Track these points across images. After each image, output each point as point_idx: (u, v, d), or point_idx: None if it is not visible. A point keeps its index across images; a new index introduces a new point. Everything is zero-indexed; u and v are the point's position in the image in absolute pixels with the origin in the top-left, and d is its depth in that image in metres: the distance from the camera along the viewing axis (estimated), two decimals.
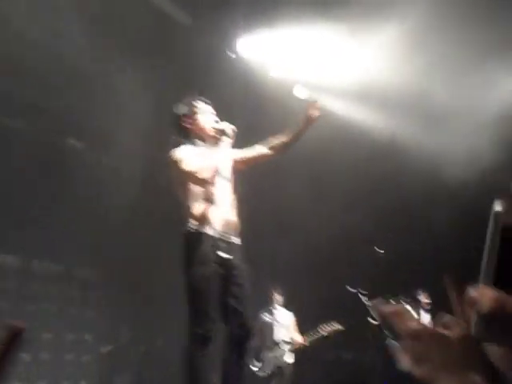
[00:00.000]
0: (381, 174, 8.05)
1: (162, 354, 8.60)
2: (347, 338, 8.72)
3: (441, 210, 8.34)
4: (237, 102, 7.22)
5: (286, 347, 6.17)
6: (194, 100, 3.47)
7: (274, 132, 6.98)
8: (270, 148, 3.58)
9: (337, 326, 6.25)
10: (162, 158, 3.38)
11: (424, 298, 7.21)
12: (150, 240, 7.87)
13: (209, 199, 3.25)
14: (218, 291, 3.18)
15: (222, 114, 3.57)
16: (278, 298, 6.42)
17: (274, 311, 6.40)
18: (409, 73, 6.93)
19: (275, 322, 6.26)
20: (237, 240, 3.36)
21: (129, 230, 7.85)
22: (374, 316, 6.52)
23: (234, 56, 7.43)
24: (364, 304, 6.55)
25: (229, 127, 3.31)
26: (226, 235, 3.27)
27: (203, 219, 3.21)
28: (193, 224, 3.21)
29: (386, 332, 6.70)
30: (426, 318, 7.25)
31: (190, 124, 3.41)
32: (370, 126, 7.83)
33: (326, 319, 8.13)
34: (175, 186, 3.32)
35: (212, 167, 3.18)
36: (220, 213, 3.28)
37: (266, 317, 6.30)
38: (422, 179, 8.00)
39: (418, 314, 7.22)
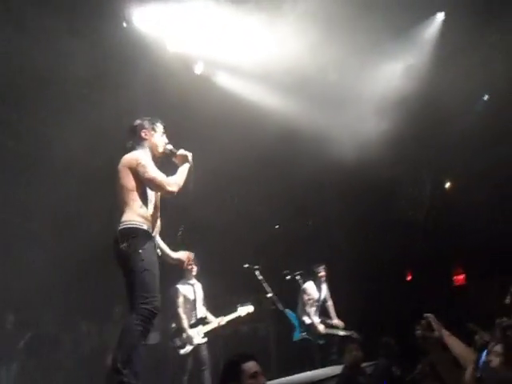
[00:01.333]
0: (275, 154, 8.26)
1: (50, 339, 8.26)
2: None
3: (333, 189, 8.81)
4: (128, 72, 6.94)
5: (203, 324, 6.26)
6: (155, 120, 4.06)
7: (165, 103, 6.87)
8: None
9: (251, 307, 6.44)
10: None
11: (321, 271, 7.61)
12: None
13: (155, 204, 3.82)
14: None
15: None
16: (194, 270, 6.33)
17: (194, 285, 6.37)
18: (304, 55, 7.13)
19: (196, 298, 6.30)
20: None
21: None
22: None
23: (125, 25, 7.07)
24: (258, 279, 6.80)
25: (187, 153, 3.96)
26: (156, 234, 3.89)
27: (149, 220, 3.74)
28: (138, 222, 3.68)
29: (280, 306, 7.06)
30: (323, 290, 7.69)
31: (148, 136, 3.96)
32: (265, 106, 7.96)
33: (227, 295, 8.32)
34: (122, 185, 3.73)
35: (180, 184, 3.82)
36: (157, 215, 3.89)
37: (186, 291, 6.27)
38: (314, 159, 8.36)
39: (318, 286, 7.62)
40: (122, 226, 3.65)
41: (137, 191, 3.70)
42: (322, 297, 7.67)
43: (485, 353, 2.08)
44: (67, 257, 7.46)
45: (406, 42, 8.11)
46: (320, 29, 6.97)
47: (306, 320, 7.48)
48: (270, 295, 6.95)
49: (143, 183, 3.71)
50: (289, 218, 9.65)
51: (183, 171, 3.88)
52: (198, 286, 6.41)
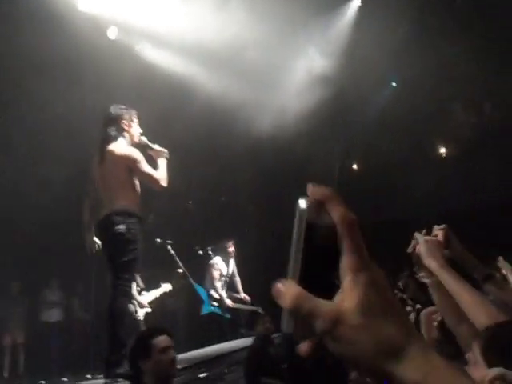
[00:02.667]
0: (193, 128, 8.12)
1: None
2: (152, 288, 8.94)
3: (248, 166, 8.87)
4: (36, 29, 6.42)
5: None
6: (132, 110, 4.33)
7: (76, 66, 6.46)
8: None
9: (169, 286, 6.49)
10: None
11: (230, 247, 7.70)
12: None
13: (138, 191, 4.19)
14: None
15: None
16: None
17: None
18: (225, 31, 7.05)
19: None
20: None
21: None
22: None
23: None
24: (170, 254, 6.76)
25: (164, 150, 4.32)
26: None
27: (137, 204, 4.14)
28: (133, 209, 4.06)
29: (191, 280, 7.07)
30: (231, 265, 7.80)
31: (127, 126, 4.22)
32: (183, 79, 7.78)
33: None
34: (117, 175, 4.05)
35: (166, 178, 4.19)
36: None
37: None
38: (231, 135, 8.35)
39: (227, 262, 7.70)
40: (119, 208, 3.96)
41: (130, 181, 4.08)
42: (230, 272, 7.79)
43: None
44: None
45: (325, 24, 8.29)
46: (243, 5, 6.92)
47: (214, 294, 7.57)
48: (180, 270, 6.93)
49: (135, 175, 4.10)
50: (202, 194, 9.61)
51: (164, 167, 4.23)
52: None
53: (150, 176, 4.10)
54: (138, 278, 6.24)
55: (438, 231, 1.68)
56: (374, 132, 9.55)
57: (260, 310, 7.55)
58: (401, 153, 9.52)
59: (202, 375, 4.98)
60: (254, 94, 7.74)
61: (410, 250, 1.86)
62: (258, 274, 9.01)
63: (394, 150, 9.49)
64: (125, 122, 4.20)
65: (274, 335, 5.56)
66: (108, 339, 3.95)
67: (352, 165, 11.37)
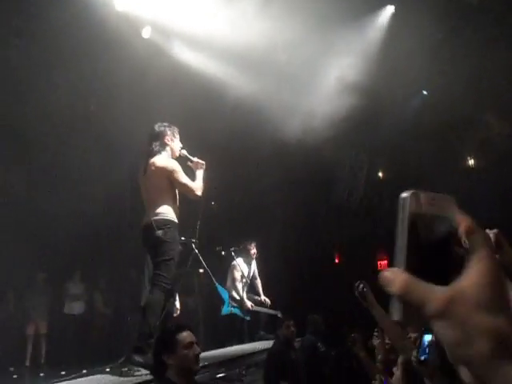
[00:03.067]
0: (218, 129, 8.17)
1: None
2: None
3: (273, 168, 8.86)
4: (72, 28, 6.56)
5: None
6: (174, 127, 4.76)
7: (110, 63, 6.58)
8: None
9: None
10: None
11: (252, 249, 7.71)
12: None
13: (177, 199, 4.60)
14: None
15: None
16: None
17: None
18: (257, 33, 7.09)
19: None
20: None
21: None
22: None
23: None
24: (194, 252, 6.79)
25: (202, 162, 4.72)
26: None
27: (177, 215, 4.51)
28: (172, 216, 4.44)
29: (214, 280, 7.09)
30: (253, 267, 7.80)
31: (169, 141, 4.64)
32: (215, 80, 7.84)
33: None
34: (158, 184, 4.45)
35: (202, 188, 4.62)
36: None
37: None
38: (258, 137, 8.37)
39: (248, 263, 7.72)
40: (158, 217, 4.37)
41: (170, 191, 4.48)
42: (251, 273, 7.79)
43: (427, 336, 2.20)
44: None
45: (358, 30, 8.25)
46: (277, 9, 6.95)
47: (235, 295, 7.58)
48: (202, 270, 6.96)
49: (174, 185, 4.49)
50: (227, 195, 9.65)
51: (201, 177, 4.64)
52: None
53: (186, 186, 4.50)
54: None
55: (489, 234, 1.65)
56: (403, 140, 9.45)
57: (279, 315, 7.53)
58: (429, 162, 9.41)
59: (220, 375, 5.00)
60: (285, 98, 7.75)
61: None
62: (279, 277, 9.01)
63: (422, 159, 9.37)
64: (167, 137, 4.63)
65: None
66: (139, 328, 4.35)
67: (378, 172, 11.28)
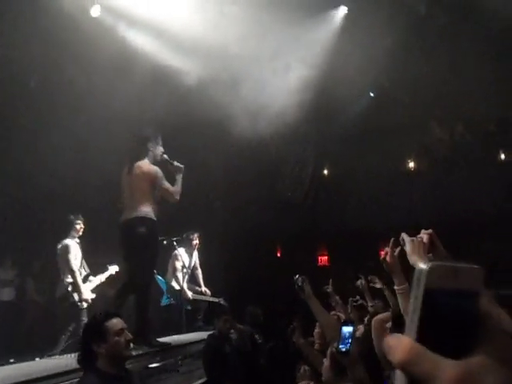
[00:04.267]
0: (166, 115, 8.02)
1: None
2: (111, 275, 8.79)
3: (219, 161, 8.82)
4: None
5: (89, 281, 6.32)
6: (157, 133, 5.23)
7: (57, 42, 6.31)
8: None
9: (117, 267, 6.51)
10: None
11: (195, 240, 7.66)
12: None
13: (156, 201, 5.07)
14: None
15: None
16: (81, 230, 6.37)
17: (79, 244, 6.34)
18: (213, 24, 7.02)
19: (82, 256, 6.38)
20: None
21: None
22: None
23: None
24: None
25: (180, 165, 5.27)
26: None
27: (155, 211, 4.97)
28: (153, 215, 4.93)
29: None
30: (194, 257, 7.75)
31: (152, 148, 5.08)
32: (164, 66, 7.69)
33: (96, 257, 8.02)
34: (141, 187, 4.92)
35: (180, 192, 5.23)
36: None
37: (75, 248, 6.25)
38: (205, 126, 8.29)
39: (191, 254, 7.65)
40: (141, 215, 4.83)
41: (151, 193, 4.93)
42: (192, 264, 7.75)
43: (347, 328, 2.26)
44: None
45: (309, 29, 8.33)
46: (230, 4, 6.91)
47: (175, 285, 7.51)
48: None
49: (156, 189, 4.93)
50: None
51: (180, 181, 5.17)
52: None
53: (167, 191, 5.03)
54: (84, 264, 6.34)
55: (424, 234, 1.71)
56: (350, 138, 9.68)
57: (222, 301, 7.55)
58: (373, 162, 9.69)
59: (155, 364, 4.94)
60: (234, 91, 7.71)
61: (383, 256, 1.93)
62: (220, 268, 9.00)
63: (367, 158, 9.63)
64: (151, 144, 5.07)
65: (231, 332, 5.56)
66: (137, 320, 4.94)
67: (323, 169, 11.49)
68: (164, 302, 7.50)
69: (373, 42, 7.66)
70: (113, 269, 6.56)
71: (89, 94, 6.82)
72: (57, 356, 5.43)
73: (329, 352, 2.32)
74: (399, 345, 0.46)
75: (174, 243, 7.49)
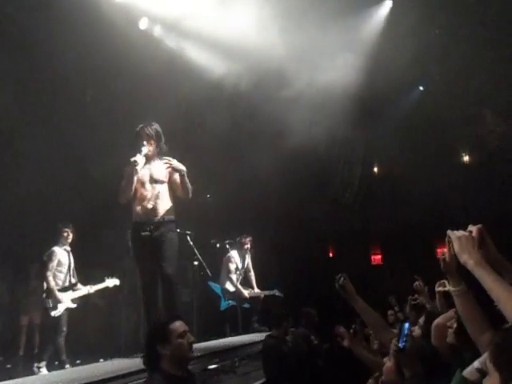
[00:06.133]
0: (213, 123, 8.15)
1: None
2: None
3: (269, 164, 8.85)
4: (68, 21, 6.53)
5: (73, 290, 6.34)
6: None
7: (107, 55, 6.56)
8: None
9: (117, 281, 6.60)
10: None
11: (247, 243, 7.72)
12: None
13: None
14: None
15: None
16: (71, 236, 6.40)
17: (69, 252, 6.40)
18: (256, 27, 7.08)
19: (70, 264, 6.38)
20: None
21: None
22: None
23: None
24: (189, 245, 6.80)
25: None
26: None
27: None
28: (174, 217, 4.76)
29: (208, 272, 7.10)
30: (247, 260, 7.82)
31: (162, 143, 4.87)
32: (213, 74, 7.83)
33: None
34: (167, 184, 4.78)
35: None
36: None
37: (61, 255, 6.32)
38: (252, 130, 8.37)
39: (243, 256, 7.73)
40: (168, 217, 4.66)
41: (175, 192, 4.77)
42: (245, 267, 7.82)
43: (407, 325, 2.24)
44: None
45: (355, 23, 8.23)
46: (272, 3, 6.94)
47: (230, 288, 7.61)
48: (197, 262, 6.97)
49: (177, 187, 4.74)
50: (220, 189, 9.65)
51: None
52: (70, 254, 6.48)
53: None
54: (73, 273, 6.33)
55: (473, 228, 1.64)
56: (399, 135, 9.47)
57: (277, 293, 7.61)
58: (424, 158, 9.44)
59: (213, 366, 5.02)
60: (282, 92, 7.73)
61: (441, 256, 1.87)
62: (273, 271, 9.03)
63: (418, 154, 9.39)
64: (161, 139, 4.82)
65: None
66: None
67: (373, 168, 11.31)
68: (223, 305, 7.62)
69: (420, 34, 7.48)
70: (111, 282, 6.53)
71: (139, 105, 7.04)
72: (119, 358, 5.58)
73: (391, 351, 2.30)
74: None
75: (227, 246, 7.62)
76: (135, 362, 3.71)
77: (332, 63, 8.31)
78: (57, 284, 6.17)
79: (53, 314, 6.04)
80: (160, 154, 4.82)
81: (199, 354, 4.68)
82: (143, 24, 7.41)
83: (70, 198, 7.43)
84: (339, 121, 8.02)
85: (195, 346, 4.59)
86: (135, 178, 4.68)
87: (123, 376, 3.41)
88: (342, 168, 10.12)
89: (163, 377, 2.60)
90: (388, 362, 2.33)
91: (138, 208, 4.68)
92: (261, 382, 4.93)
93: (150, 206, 4.69)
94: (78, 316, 6.75)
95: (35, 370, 6.01)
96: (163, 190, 4.78)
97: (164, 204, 4.76)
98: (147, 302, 4.78)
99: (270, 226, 9.76)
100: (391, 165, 10.64)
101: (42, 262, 6.41)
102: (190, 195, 4.82)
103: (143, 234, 4.61)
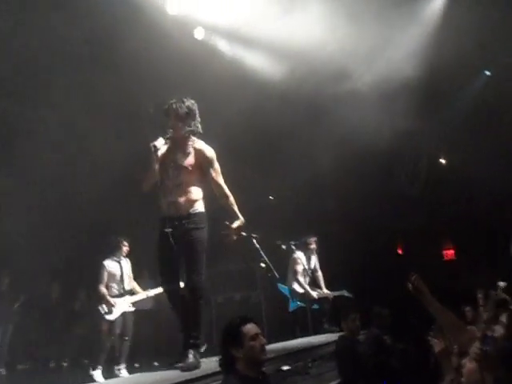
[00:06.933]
0: (273, 125, 8.18)
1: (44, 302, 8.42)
2: (236, 281, 9.15)
3: (329, 161, 8.77)
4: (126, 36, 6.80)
5: (130, 295, 6.71)
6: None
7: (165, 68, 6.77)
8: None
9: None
10: None
11: (312, 244, 7.69)
12: None
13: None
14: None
15: None
16: (125, 248, 6.80)
17: (120, 262, 6.77)
18: (312, 27, 7.04)
19: (122, 273, 6.73)
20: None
21: None
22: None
23: None
24: (255, 247, 6.86)
25: None
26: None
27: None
28: (204, 210, 4.07)
29: (276, 274, 7.12)
30: (313, 260, 7.78)
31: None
32: (269, 77, 7.88)
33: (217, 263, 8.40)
34: (198, 173, 4.10)
35: None
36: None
37: (112, 267, 6.70)
38: (311, 128, 8.31)
39: (309, 257, 7.71)
40: (199, 210, 4.01)
41: (203, 182, 4.09)
42: (312, 267, 7.77)
43: None
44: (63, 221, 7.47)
45: (409, 14, 7.97)
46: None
47: (298, 289, 7.60)
48: (264, 264, 7.01)
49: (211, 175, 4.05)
50: (284, 189, 9.66)
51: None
52: (125, 262, 6.82)
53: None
54: (126, 282, 6.69)
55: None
56: (466, 124, 9.05)
57: (346, 293, 7.51)
58: (492, 146, 8.97)
59: (285, 367, 5.03)
60: (340, 88, 7.64)
61: None
62: (341, 270, 8.91)
63: (486, 143, 8.94)
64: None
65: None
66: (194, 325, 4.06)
67: (440, 159, 10.88)
68: (292, 307, 7.62)
69: (483, 18, 7.11)
70: (153, 291, 6.74)
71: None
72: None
73: (473, 353, 2.19)
74: None
75: (293, 247, 7.61)
76: (210, 365, 3.79)
77: (393, 54, 8.10)
78: (111, 292, 6.58)
79: (107, 318, 6.45)
80: (191, 135, 4.08)
81: (272, 356, 4.71)
82: (199, 34, 7.57)
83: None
84: (403, 112, 7.79)
85: (267, 347, 4.62)
86: (157, 166, 3.97)
87: (197, 379, 3.49)
88: (407, 160, 9.80)
89: (238, 378, 2.64)
90: (469, 364, 2.22)
91: (162, 201, 4.01)
92: (335, 383, 4.88)
93: (172, 198, 3.99)
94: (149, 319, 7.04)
95: (116, 372, 6.35)
96: (188, 178, 4.03)
97: (190, 195, 4.01)
98: (179, 317, 4.13)
99: (335, 224, 9.64)
100: (459, 155, 10.18)
101: None
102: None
103: (166, 230, 3.91)
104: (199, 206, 4.04)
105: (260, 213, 9.40)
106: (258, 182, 9.00)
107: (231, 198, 4.12)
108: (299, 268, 7.58)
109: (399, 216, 9.87)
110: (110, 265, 6.67)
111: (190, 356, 3.88)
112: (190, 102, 4.07)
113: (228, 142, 7.99)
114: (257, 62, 8.02)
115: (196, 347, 3.99)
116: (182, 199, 3.98)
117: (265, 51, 7.87)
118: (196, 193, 4.03)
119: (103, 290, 6.56)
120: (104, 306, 6.49)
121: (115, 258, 6.73)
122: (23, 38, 6.27)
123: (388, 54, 7.97)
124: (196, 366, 3.83)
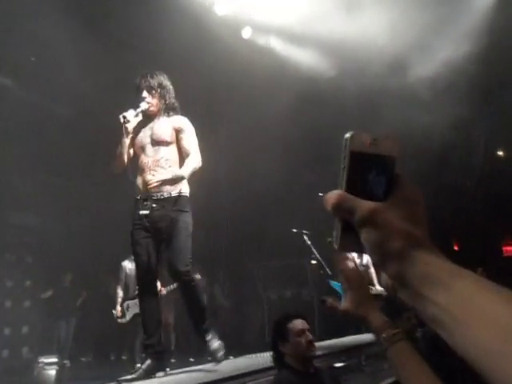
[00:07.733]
0: (325, 121, 8.13)
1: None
2: (288, 278, 9.18)
3: None
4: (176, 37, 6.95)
5: None
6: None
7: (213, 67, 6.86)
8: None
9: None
10: None
11: None
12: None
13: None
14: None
15: None
16: None
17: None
18: (359, 22, 6.96)
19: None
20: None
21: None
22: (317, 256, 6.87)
23: None
24: (307, 244, 6.85)
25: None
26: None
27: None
28: (188, 192, 3.74)
29: (328, 271, 7.10)
30: (365, 257, 7.68)
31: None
32: (318, 73, 7.85)
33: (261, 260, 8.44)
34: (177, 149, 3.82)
35: None
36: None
37: (129, 268, 6.71)
38: (363, 123, 8.20)
39: (361, 254, 7.61)
40: (183, 193, 3.63)
41: (185, 157, 3.72)
42: (364, 263, 7.66)
43: None
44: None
45: (461, 5, 7.72)
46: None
47: None
48: (315, 261, 7.00)
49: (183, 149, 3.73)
50: (334, 187, 9.57)
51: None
52: None
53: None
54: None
55: None
56: None
57: (384, 293, 7.34)
58: None
59: (339, 364, 5.01)
60: (389, 82, 7.50)
61: None
62: None
63: None
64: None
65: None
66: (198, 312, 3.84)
67: (497, 151, 10.44)
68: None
69: None
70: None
71: (249, 118, 7.26)
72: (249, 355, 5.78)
73: None
74: (330, 196, 0.58)
75: None
76: (263, 359, 3.85)
77: (445, 45, 7.88)
78: (128, 293, 6.69)
79: (120, 321, 6.61)
80: (167, 110, 3.79)
81: (324, 353, 4.71)
82: (246, 33, 7.65)
83: None
84: (457, 104, 7.55)
85: (319, 344, 4.62)
86: (127, 141, 3.65)
87: (250, 374, 3.56)
88: (460, 154, 9.47)
89: (289, 372, 2.69)
90: None
91: (139, 180, 3.62)
92: (390, 380, 4.81)
93: (150, 176, 3.58)
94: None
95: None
96: (168, 154, 3.66)
97: (170, 173, 3.57)
98: (141, 312, 3.78)
99: None
100: None
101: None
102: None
103: (141, 213, 3.54)
104: (183, 187, 3.65)
105: (312, 209, 9.38)
106: (310, 178, 8.98)
107: (186, 164, 3.66)
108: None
109: (454, 211, 9.56)
110: (128, 266, 6.74)
111: (211, 343, 3.75)
112: (161, 76, 3.83)
113: (280, 139, 8.06)
114: (307, 58, 8.01)
115: (206, 332, 3.81)
116: (161, 177, 3.56)
117: (316, 48, 7.85)
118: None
119: (119, 292, 6.71)
120: (118, 308, 6.64)
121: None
122: None
123: (440, 45, 7.74)
124: (220, 348, 3.78)
